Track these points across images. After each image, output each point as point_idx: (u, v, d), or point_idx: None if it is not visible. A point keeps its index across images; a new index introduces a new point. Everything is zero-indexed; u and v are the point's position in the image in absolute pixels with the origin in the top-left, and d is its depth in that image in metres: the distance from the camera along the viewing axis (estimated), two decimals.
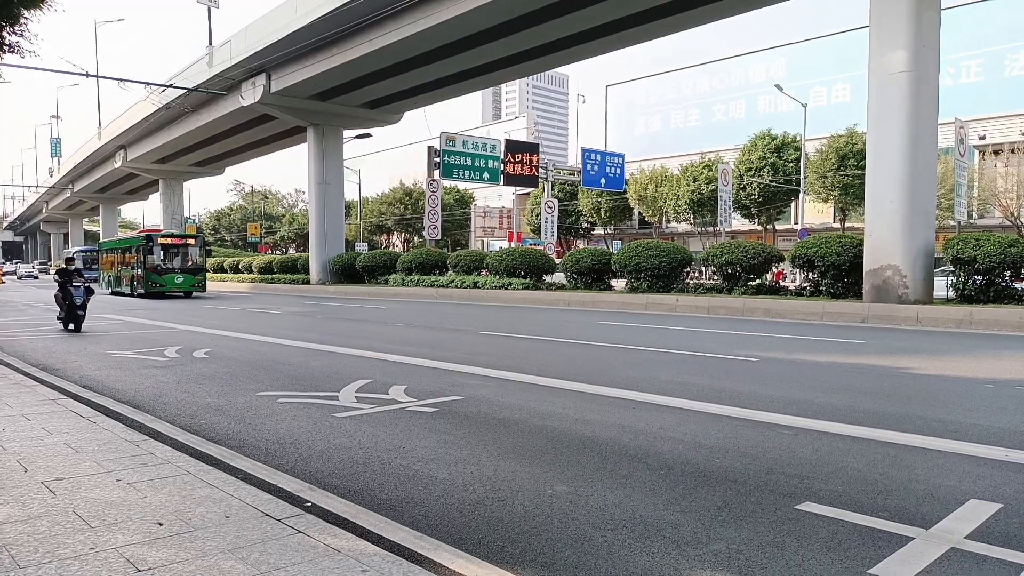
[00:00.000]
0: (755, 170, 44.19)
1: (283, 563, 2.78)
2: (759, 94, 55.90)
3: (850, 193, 40.17)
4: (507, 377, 7.86)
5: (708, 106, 60.67)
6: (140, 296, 29.65)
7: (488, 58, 28.24)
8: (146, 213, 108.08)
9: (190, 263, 30.83)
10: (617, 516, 3.55)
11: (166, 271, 29.86)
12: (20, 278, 66.49)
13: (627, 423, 5.60)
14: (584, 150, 34.82)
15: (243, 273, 43.59)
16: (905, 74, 16.03)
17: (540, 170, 32.42)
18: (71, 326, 13.71)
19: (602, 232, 57.41)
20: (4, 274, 62.00)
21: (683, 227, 52.93)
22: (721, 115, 59.58)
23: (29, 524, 3.21)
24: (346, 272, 34.14)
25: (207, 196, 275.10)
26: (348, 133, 38.30)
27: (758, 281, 20.25)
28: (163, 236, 31.62)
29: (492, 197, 73.94)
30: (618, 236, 56.71)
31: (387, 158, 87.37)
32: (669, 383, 7.48)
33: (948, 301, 16.36)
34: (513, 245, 38.59)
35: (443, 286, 27.67)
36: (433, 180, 30.38)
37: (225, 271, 46.15)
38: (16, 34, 8.94)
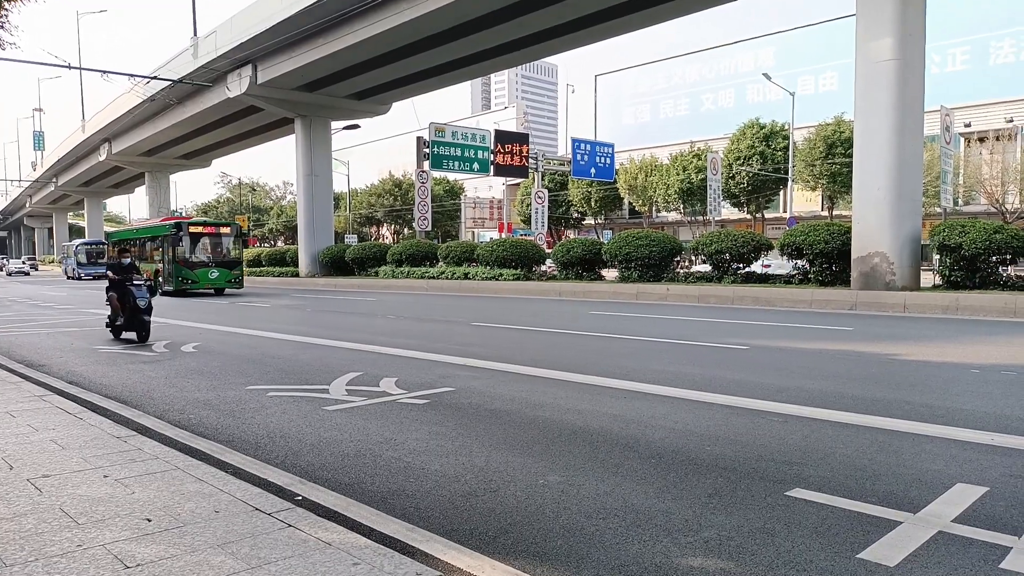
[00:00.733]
0: (744, 159, 44.29)
1: (274, 557, 2.77)
2: (748, 83, 55.89)
3: (838, 181, 40.37)
4: (498, 368, 7.85)
5: (697, 95, 60.63)
6: (166, 294, 24.91)
7: (475, 48, 28.12)
8: (132, 207, 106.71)
9: (225, 255, 26.48)
10: (609, 505, 3.56)
11: (198, 264, 25.59)
12: (9, 274, 56.65)
13: (618, 412, 5.61)
14: (574, 140, 34.73)
15: None
16: (891, 62, 16.10)
17: (530, 160, 32.30)
18: (132, 334, 11.02)
19: (592, 222, 57.45)
20: None
21: (673, 216, 53.03)
22: (710, 104, 59.57)
23: (15, 522, 3.18)
24: (336, 264, 34.01)
25: (194, 189, 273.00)
26: (336, 124, 38.06)
27: (747, 269, 20.36)
28: (194, 224, 27.08)
29: (482, 188, 73.74)
30: (609, 226, 56.75)
31: (376, 149, 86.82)
32: (660, 372, 7.50)
33: (935, 288, 16.51)
34: (504, 236, 38.54)
35: (433, 277, 27.64)
36: (422, 171, 30.23)
37: None
38: None
